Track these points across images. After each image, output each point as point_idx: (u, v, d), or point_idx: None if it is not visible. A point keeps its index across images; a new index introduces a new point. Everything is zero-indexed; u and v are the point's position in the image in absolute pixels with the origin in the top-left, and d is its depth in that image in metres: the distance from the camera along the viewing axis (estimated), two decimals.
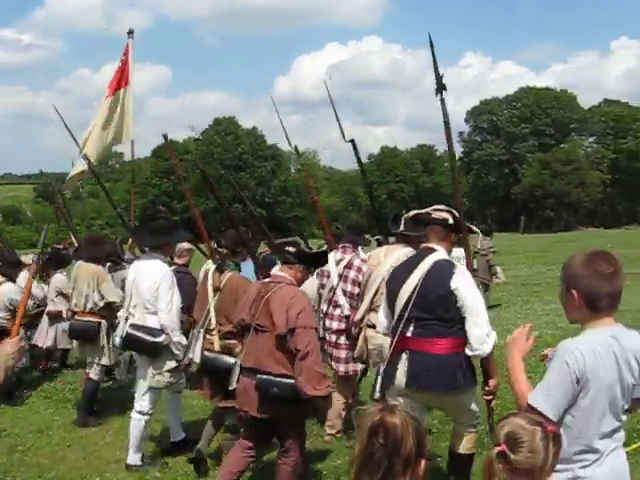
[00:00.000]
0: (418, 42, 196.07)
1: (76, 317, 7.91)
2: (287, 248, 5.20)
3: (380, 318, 5.18)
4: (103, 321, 7.83)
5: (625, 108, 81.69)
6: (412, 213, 5.33)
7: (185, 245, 8.36)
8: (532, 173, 74.55)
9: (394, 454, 2.41)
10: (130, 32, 10.43)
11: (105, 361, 7.82)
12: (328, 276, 6.76)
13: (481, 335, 4.60)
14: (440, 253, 4.85)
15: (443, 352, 4.67)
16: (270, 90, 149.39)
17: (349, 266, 6.68)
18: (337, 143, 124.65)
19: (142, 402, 6.29)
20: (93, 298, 7.80)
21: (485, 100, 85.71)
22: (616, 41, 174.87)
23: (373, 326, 5.88)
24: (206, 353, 5.84)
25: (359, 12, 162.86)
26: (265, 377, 4.87)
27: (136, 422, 6.24)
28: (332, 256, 6.65)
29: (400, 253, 5.83)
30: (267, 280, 5.25)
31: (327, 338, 6.56)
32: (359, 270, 6.59)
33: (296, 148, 7.02)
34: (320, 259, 5.57)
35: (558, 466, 2.92)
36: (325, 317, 6.66)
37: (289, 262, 5.17)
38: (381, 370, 4.92)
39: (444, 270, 4.73)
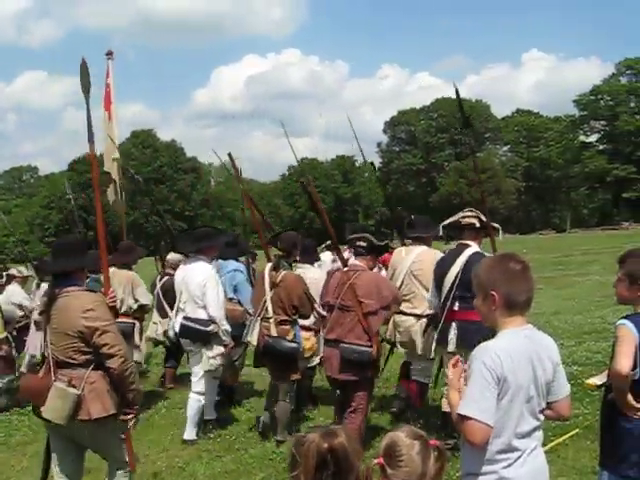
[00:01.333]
0: (336, 54, 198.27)
1: None
2: (359, 243, 6.48)
3: (430, 298, 6.47)
4: (137, 322, 8.46)
5: (537, 118, 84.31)
6: (447, 222, 6.61)
7: (179, 257, 9.19)
8: (449, 182, 76.11)
9: (348, 477, 2.35)
10: (109, 53, 10.75)
11: (137, 357, 8.35)
12: None
13: None
14: (473, 248, 6.25)
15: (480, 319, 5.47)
16: (187, 102, 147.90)
17: None
18: (255, 156, 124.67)
19: (200, 385, 7.22)
20: (128, 302, 8.34)
21: (402, 111, 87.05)
22: (526, 54, 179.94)
23: (400, 312, 7.01)
24: (267, 338, 6.83)
25: (274, 24, 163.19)
26: (347, 345, 6.08)
27: (194, 402, 7.19)
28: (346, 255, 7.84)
29: (418, 251, 7.16)
30: (346, 269, 6.42)
31: (321, 334, 7.29)
32: None
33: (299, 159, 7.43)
34: (383, 250, 6.79)
35: (482, 467, 2.98)
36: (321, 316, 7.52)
37: (361, 254, 6.45)
38: (435, 337, 6.30)
39: (479, 260, 5.61)
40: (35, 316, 9.94)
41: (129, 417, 4.76)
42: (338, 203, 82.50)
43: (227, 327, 7.08)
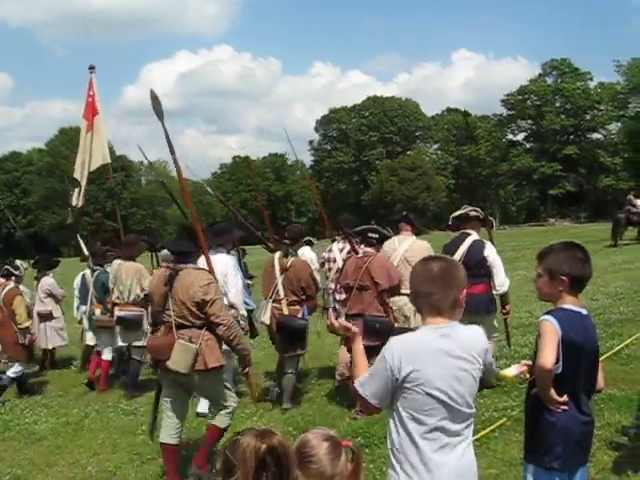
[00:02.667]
0: (268, 51, 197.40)
1: (117, 308, 9.27)
2: (370, 234, 7.77)
3: None
4: (144, 310, 9.16)
5: (466, 116, 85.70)
6: (457, 213, 8.17)
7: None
8: (381, 180, 76.73)
9: (289, 475, 2.30)
10: (91, 67, 11.85)
11: (144, 343, 8.95)
12: (334, 261, 9.32)
13: (501, 281, 7.74)
14: (474, 236, 7.92)
15: (480, 292, 7.61)
16: (118, 99, 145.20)
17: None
18: (187, 153, 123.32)
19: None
20: (135, 291, 9.21)
21: (334, 109, 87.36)
22: (456, 53, 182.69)
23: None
24: (279, 317, 7.91)
25: (206, 20, 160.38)
26: (370, 317, 7.26)
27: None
28: (336, 245, 9.62)
29: (409, 240, 8.25)
30: (360, 255, 7.68)
31: (336, 307, 8.20)
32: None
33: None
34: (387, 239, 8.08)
35: (409, 448, 3.06)
36: (334, 292, 8.40)
37: (372, 243, 7.75)
38: None
39: (479, 246, 7.82)
40: (39, 308, 11.01)
41: (244, 369, 6.50)
42: (271, 201, 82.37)
43: (244, 312, 7.77)
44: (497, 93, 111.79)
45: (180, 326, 5.69)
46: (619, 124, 70.70)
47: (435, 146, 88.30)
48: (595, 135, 76.00)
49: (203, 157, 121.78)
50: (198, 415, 7.77)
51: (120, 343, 9.54)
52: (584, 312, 3.69)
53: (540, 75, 77.24)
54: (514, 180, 77.10)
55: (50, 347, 11.40)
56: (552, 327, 3.54)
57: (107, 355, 9.78)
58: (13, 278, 9.88)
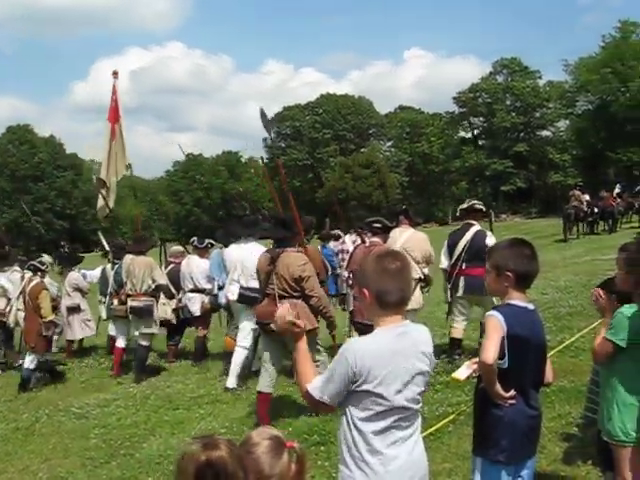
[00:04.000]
0: (221, 47, 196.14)
1: (130, 298, 10.01)
2: (375, 225, 8.37)
3: (442, 260, 8.95)
4: (155, 300, 10.13)
5: (418, 114, 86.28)
6: (465, 206, 9.13)
7: (180, 248, 12.04)
8: (335, 177, 76.84)
9: None
10: (115, 73, 12.59)
11: (155, 330, 10.27)
12: (348, 252, 10.24)
13: None
14: (477, 226, 8.89)
15: (481, 274, 8.37)
16: (67, 96, 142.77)
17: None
18: (139, 151, 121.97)
19: (245, 340, 8.71)
20: (147, 282, 10.01)
21: (287, 106, 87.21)
22: (408, 51, 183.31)
23: None
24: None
25: (158, 16, 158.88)
26: None
27: (239, 354, 8.65)
28: (349, 238, 10.99)
29: (409, 232, 8.88)
30: (367, 245, 8.48)
31: (349, 292, 9.17)
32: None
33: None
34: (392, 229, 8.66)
35: (363, 444, 3.08)
36: (347, 279, 9.45)
37: (377, 233, 8.35)
38: (449, 287, 8.80)
39: (482, 235, 8.76)
40: (67, 302, 11.86)
41: (331, 332, 8.06)
42: (225, 199, 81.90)
43: None
44: (449, 91, 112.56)
45: (281, 297, 6.87)
46: (567, 122, 71.80)
47: (388, 143, 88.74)
48: (544, 132, 76.96)
49: (154, 155, 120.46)
50: (226, 390, 8.51)
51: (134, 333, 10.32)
52: (530, 307, 3.75)
53: (491, 73, 77.98)
54: (466, 177, 77.85)
55: (79, 338, 12.34)
56: (497, 322, 3.59)
57: (121, 342, 10.54)
58: (39, 273, 10.72)
